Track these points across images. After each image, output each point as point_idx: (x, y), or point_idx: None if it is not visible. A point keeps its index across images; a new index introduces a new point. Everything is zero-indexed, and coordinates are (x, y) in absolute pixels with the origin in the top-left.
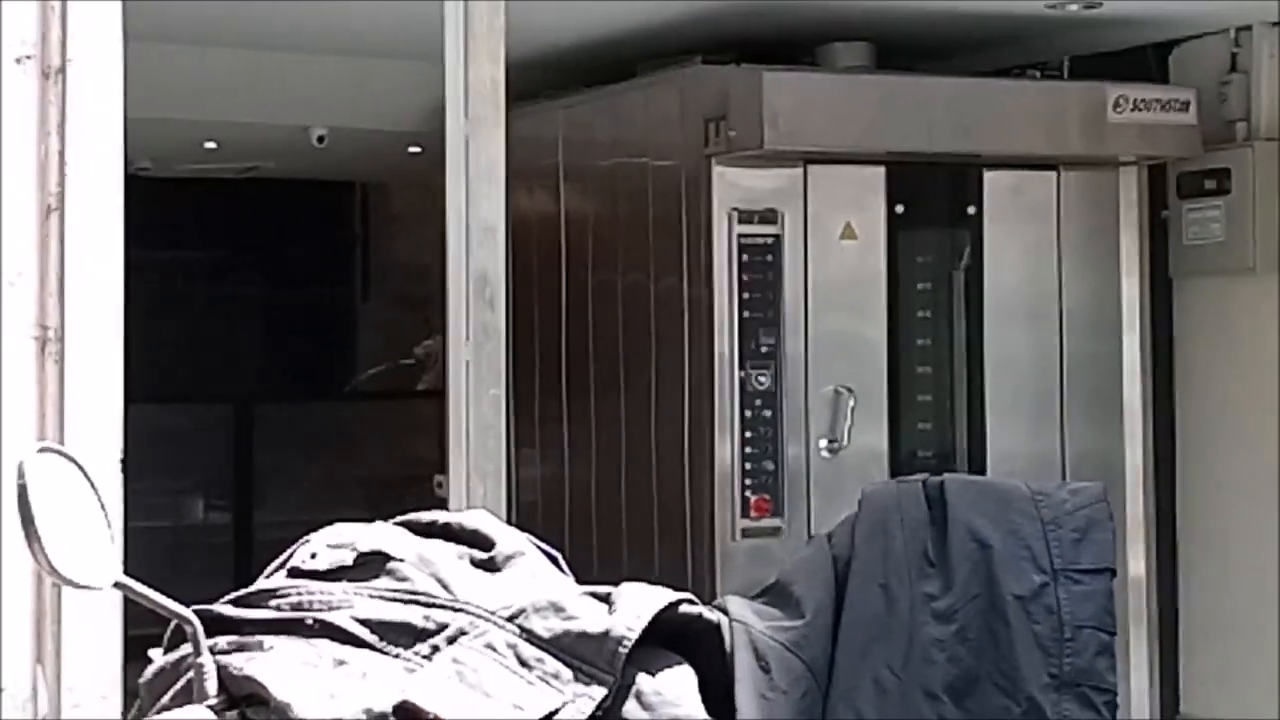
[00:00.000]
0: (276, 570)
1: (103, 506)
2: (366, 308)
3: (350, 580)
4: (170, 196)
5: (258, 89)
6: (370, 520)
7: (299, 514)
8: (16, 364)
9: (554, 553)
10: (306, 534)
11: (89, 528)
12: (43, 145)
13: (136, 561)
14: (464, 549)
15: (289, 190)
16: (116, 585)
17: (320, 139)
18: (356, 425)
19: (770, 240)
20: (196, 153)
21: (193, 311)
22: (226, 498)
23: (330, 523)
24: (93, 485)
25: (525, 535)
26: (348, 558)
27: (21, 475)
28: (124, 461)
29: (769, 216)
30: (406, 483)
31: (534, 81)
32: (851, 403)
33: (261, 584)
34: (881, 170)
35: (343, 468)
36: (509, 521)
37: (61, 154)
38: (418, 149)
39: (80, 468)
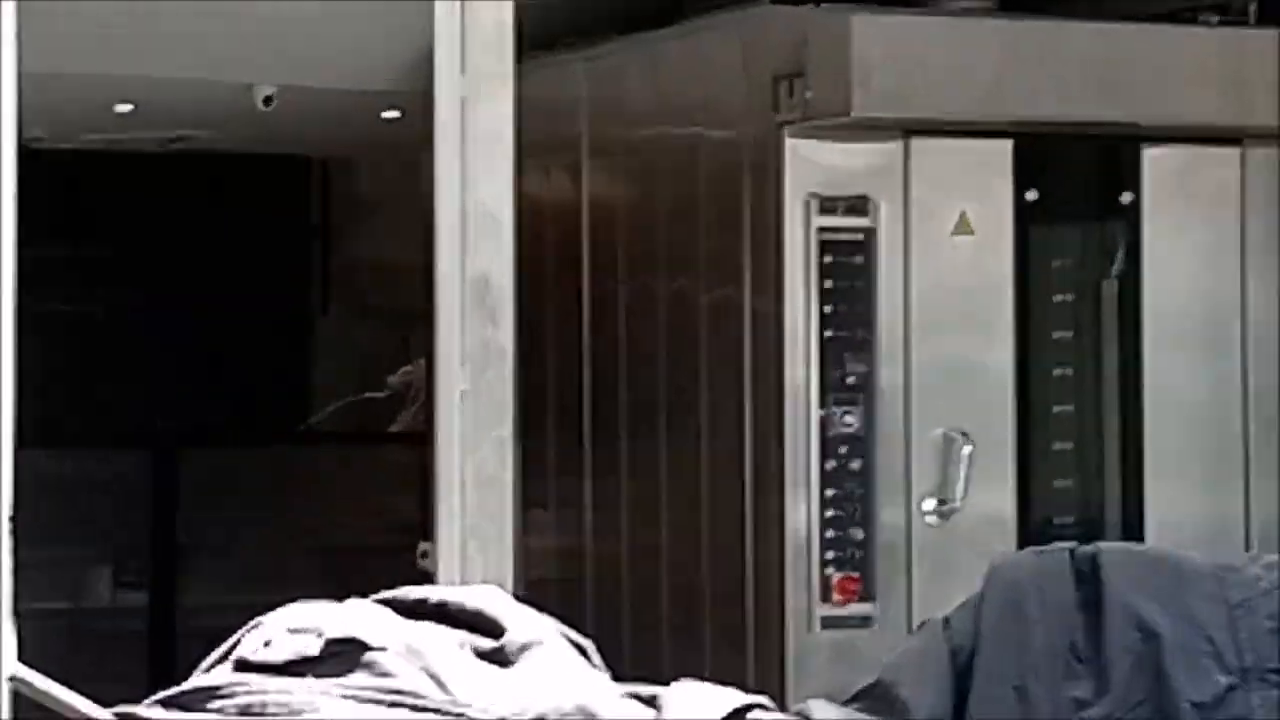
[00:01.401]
0: (218, 662)
1: None
2: (326, 322)
3: (316, 676)
4: (71, 175)
5: (186, 36)
6: (332, 597)
7: (236, 594)
8: None
9: (583, 641)
10: (246, 619)
11: None
12: None
13: (25, 653)
14: (465, 635)
15: (226, 167)
16: (11, 679)
17: (267, 100)
18: (313, 478)
19: (860, 236)
20: (106, 118)
21: (99, 326)
22: (142, 572)
23: (277, 605)
24: None
25: (545, 618)
26: (313, 646)
27: None
28: (13, 521)
29: (859, 205)
30: (379, 553)
31: (551, 25)
32: (968, 451)
33: (199, 680)
34: (1008, 145)
35: (295, 534)
36: (519, 601)
37: None
38: (395, 114)
39: None
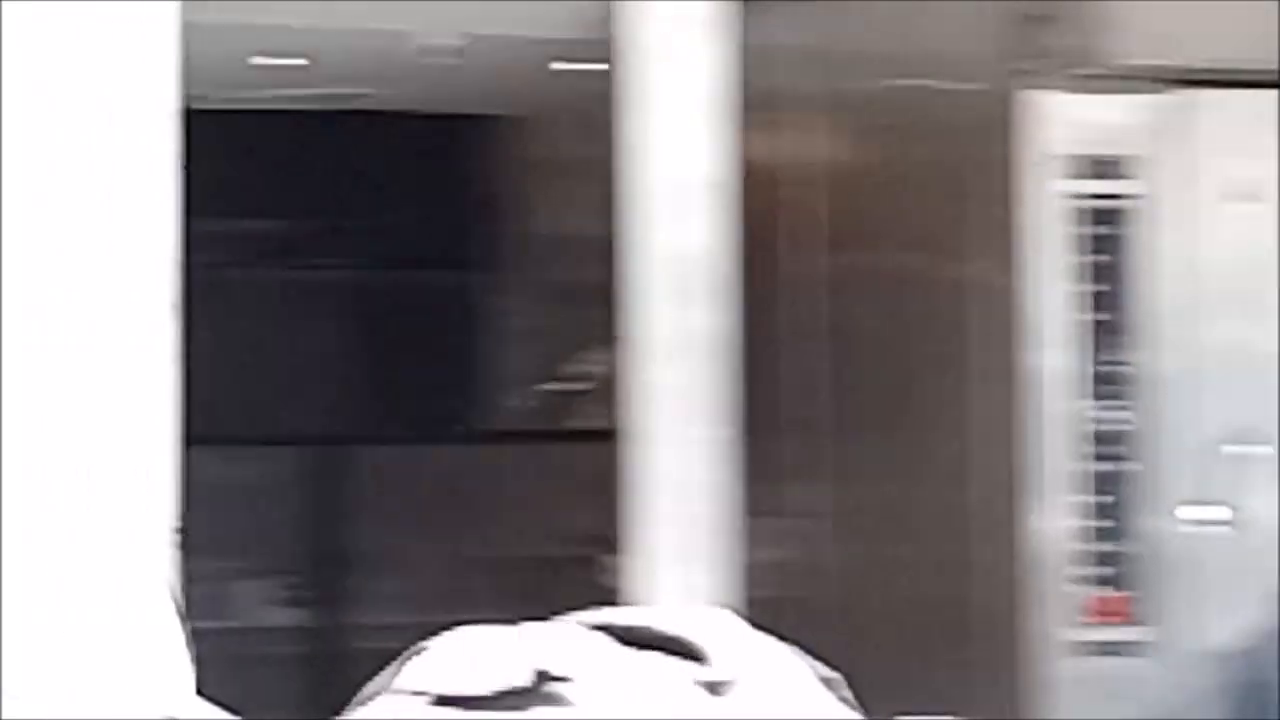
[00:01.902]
0: (391, 693)
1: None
2: (505, 304)
3: (520, 711)
4: (227, 139)
5: None
6: (510, 621)
7: (407, 612)
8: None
9: (830, 673)
10: (419, 639)
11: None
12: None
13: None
14: (680, 663)
15: (393, 129)
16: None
17: (441, 52)
18: (491, 480)
19: (1123, 204)
20: (273, 75)
21: (256, 307)
22: (307, 587)
23: (455, 624)
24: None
25: (774, 641)
26: (523, 676)
27: None
28: (183, 532)
29: (1120, 168)
30: (561, 566)
31: None
32: (1268, 451)
33: (377, 712)
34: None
35: (470, 544)
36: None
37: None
38: (584, 66)
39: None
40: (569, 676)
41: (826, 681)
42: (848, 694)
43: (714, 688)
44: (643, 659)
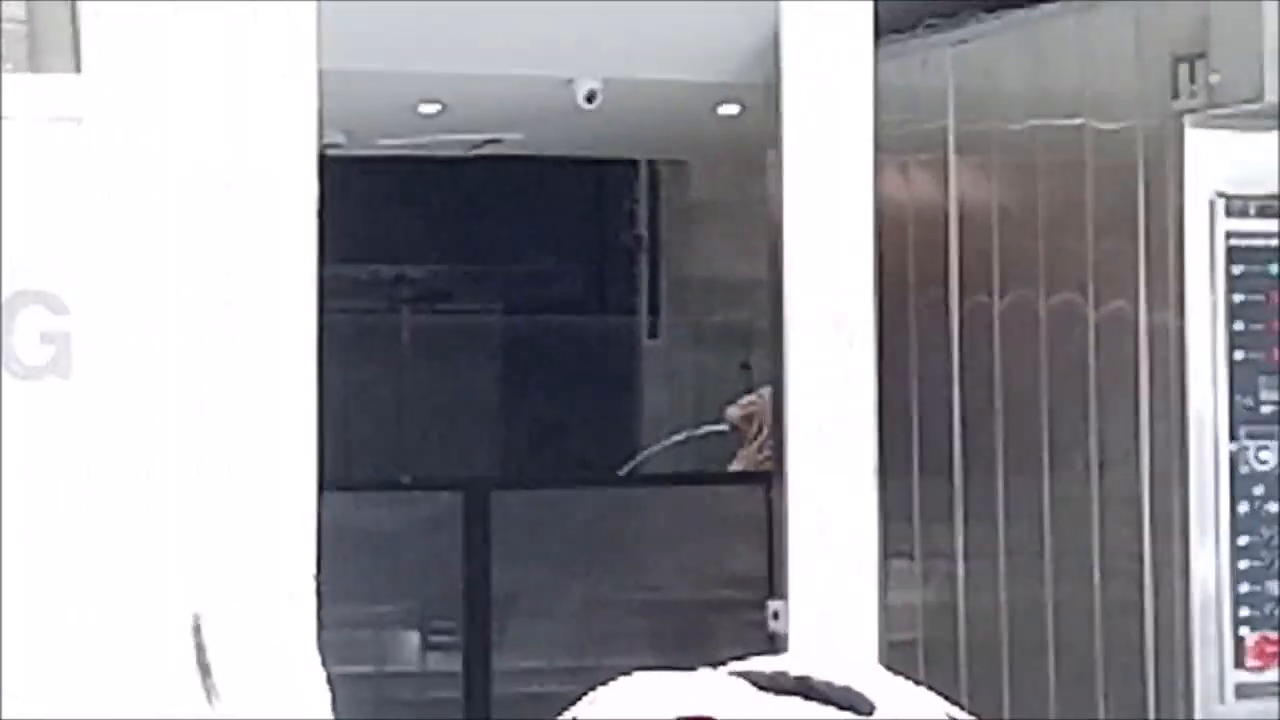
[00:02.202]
0: None
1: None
2: (655, 346)
3: None
4: (370, 184)
5: (498, 27)
6: (665, 668)
7: (557, 656)
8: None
9: (964, 718)
10: (569, 685)
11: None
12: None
13: None
14: (833, 713)
15: (541, 173)
16: None
17: (590, 96)
18: (641, 524)
19: (1275, 241)
20: (410, 120)
21: (400, 353)
22: (453, 632)
23: (614, 674)
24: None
25: (922, 690)
26: None
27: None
28: (318, 581)
29: (1273, 206)
30: (715, 610)
31: (911, 3)
32: None
33: None
34: None
35: (621, 589)
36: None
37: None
38: (734, 109)
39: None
40: None
41: None
42: None
43: None
44: (795, 708)
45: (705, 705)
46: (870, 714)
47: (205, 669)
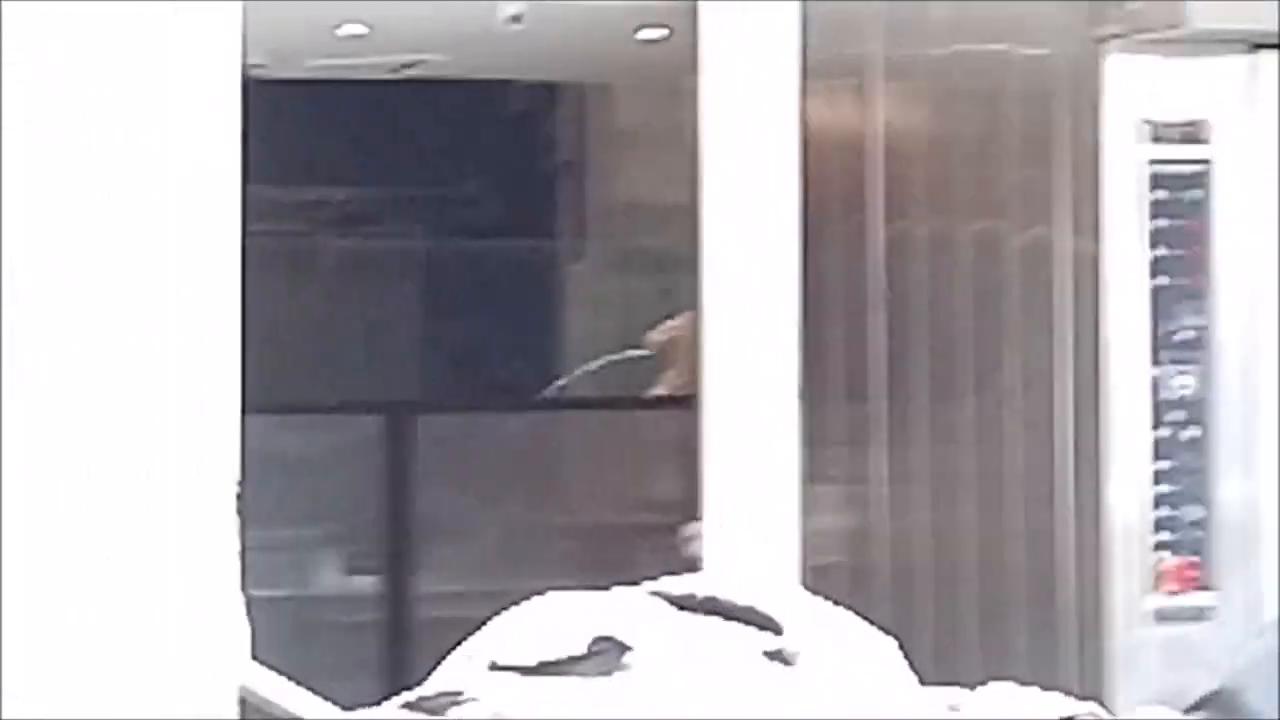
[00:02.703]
0: (462, 661)
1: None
2: (578, 270)
3: (581, 677)
4: (293, 107)
5: None
6: (583, 584)
7: (478, 579)
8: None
9: (883, 639)
10: (490, 608)
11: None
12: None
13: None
14: (743, 632)
15: (465, 96)
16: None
17: (513, 18)
18: (563, 448)
19: (1198, 169)
20: (332, 42)
21: (323, 277)
22: (375, 555)
23: (532, 593)
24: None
25: (836, 609)
26: (578, 644)
27: None
28: (239, 496)
29: (1195, 132)
30: (639, 535)
31: None
32: None
33: (442, 681)
34: None
35: (542, 511)
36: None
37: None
38: (658, 32)
39: None
40: (631, 644)
41: (878, 646)
42: (900, 661)
43: (782, 658)
44: (708, 627)
45: (618, 626)
46: (781, 632)
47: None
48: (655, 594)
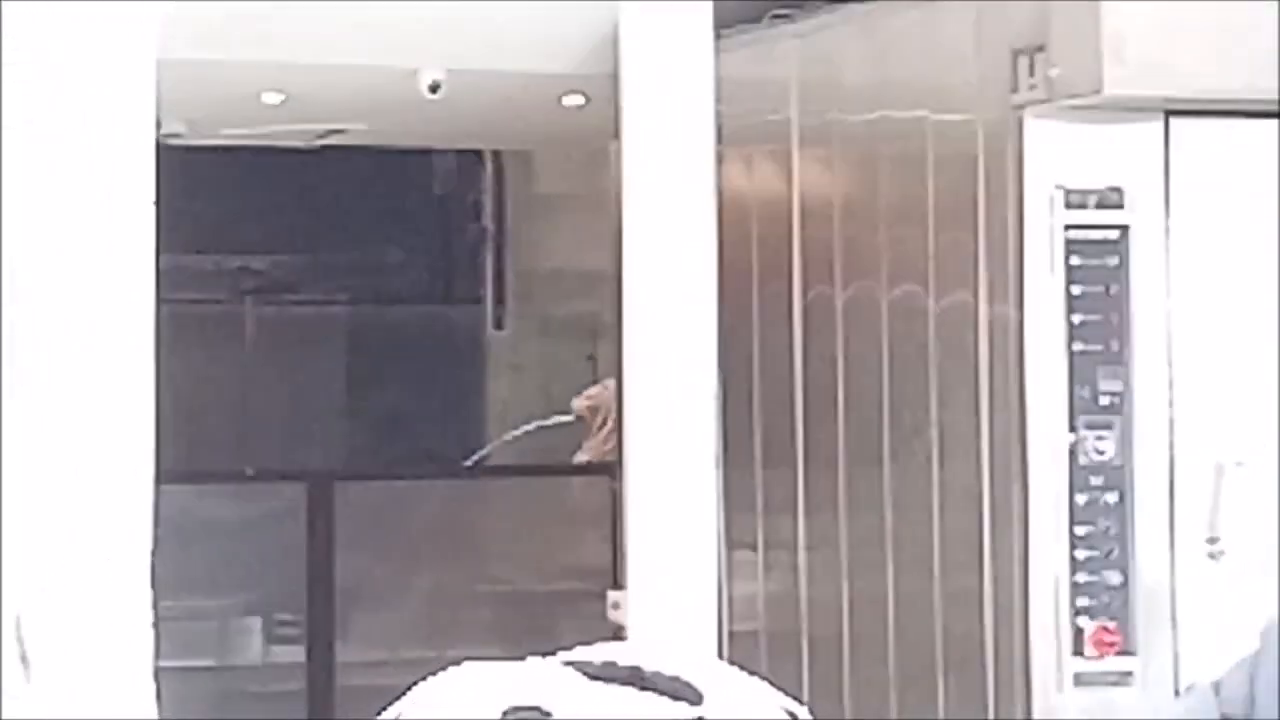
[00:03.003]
0: None
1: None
2: (502, 337)
3: None
4: (213, 175)
5: (341, 16)
6: (511, 659)
7: (400, 648)
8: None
9: (798, 710)
10: (413, 677)
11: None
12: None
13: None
14: (662, 703)
15: (386, 163)
16: None
17: (433, 87)
18: (486, 515)
19: (1115, 234)
20: (253, 110)
21: (243, 346)
22: (297, 624)
23: (454, 661)
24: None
25: (753, 680)
26: (492, 713)
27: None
28: (152, 564)
29: (1111, 198)
30: (560, 601)
31: None
32: (1242, 482)
33: None
34: None
35: (466, 578)
36: (721, 657)
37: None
38: (578, 100)
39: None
40: (550, 713)
41: (792, 716)
42: None
43: None
44: (627, 698)
45: (533, 695)
46: (699, 704)
47: (26, 663)
48: (574, 664)
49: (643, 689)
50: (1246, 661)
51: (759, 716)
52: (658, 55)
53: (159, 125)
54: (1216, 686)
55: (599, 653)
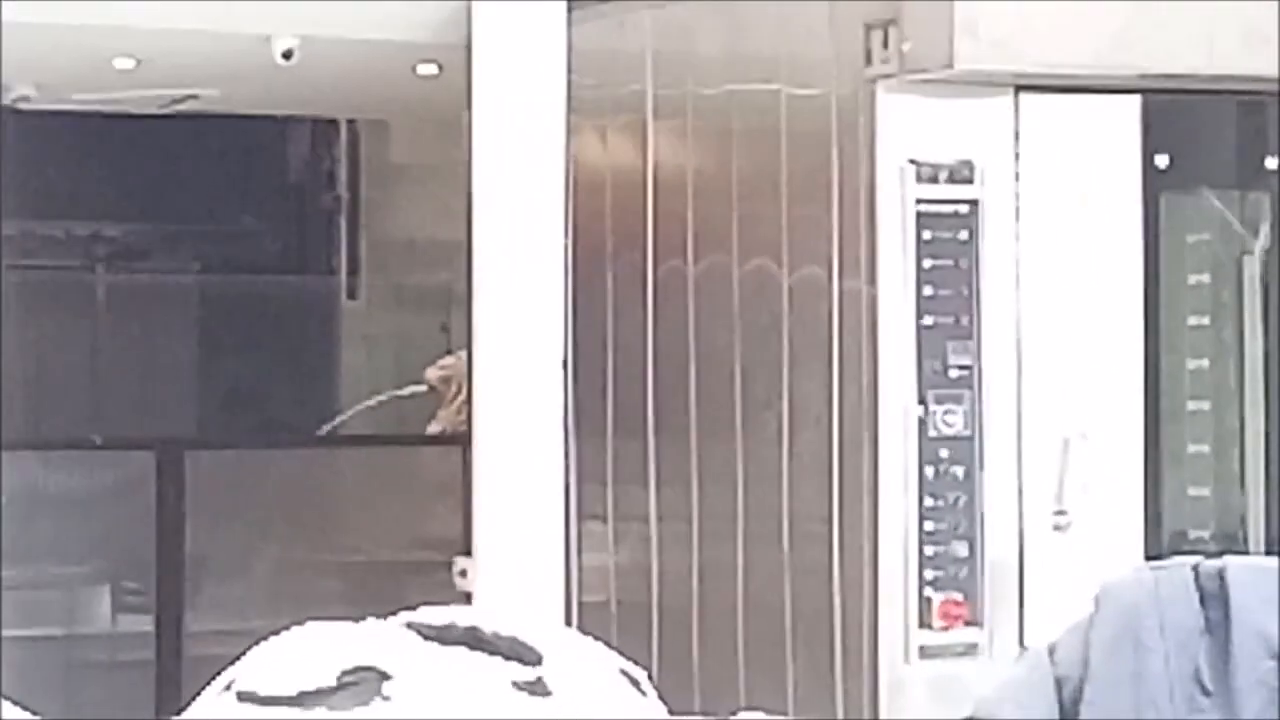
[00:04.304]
0: (220, 694)
1: None
2: (355, 307)
3: (329, 709)
4: (63, 140)
5: None
6: (356, 619)
7: (251, 617)
8: None
9: (635, 671)
10: (260, 641)
11: None
12: None
13: (11, 688)
14: (499, 664)
15: (239, 131)
16: None
17: (286, 54)
18: (338, 485)
19: (965, 208)
20: (104, 75)
21: (94, 313)
22: (146, 593)
23: (296, 624)
24: None
25: (591, 642)
26: (327, 675)
27: None
28: None
29: (963, 172)
30: (411, 571)
31: None
32: (1087, 454)
33: (195, 714)
34: (1136, 101)
35: (317, 548)
36: (569, 627)
37: None
38: (432, 68)
39: None
40: (388, 673)
41: (631, 679)
42: (650, 691)
43: (538, 689)
44: (467, 658)
45: (370, 656)
46: (537, 664)
47: None
48: (414, 625)
49: (480, 649)
50: (1081, 625)
51: (597, 677)
52: (510, 25)
53: (8, 89)
54: (1051, 649)
55: (440, 615)
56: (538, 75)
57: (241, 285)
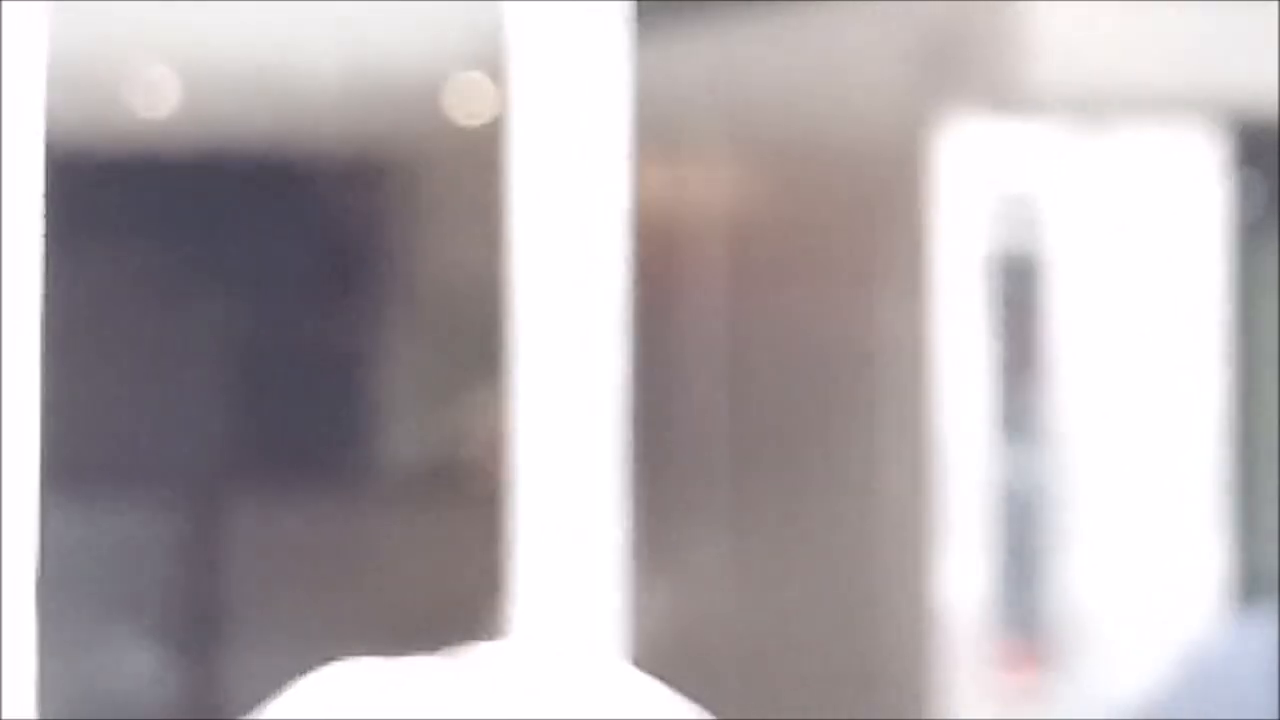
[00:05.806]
0: None
1: None
2: (395, 348)
3: None
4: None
5: (221, 9)
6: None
7: (287, 664)
8: None
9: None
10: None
11: None
12: None
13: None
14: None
15: (277, 166)
16: None
17: (329, 88)
18: (381, 534)
19: (1032, 243)
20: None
21: (120, 348)
22: (177, 643)
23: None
24: None
25: (649, 680)
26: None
27: None
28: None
29: (1031, 205)
30: (458, 618)
31: None
32: (1169, 495)
33: None
34: (1216, 131)
35: (363, 601)
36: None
37: None
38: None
39: None
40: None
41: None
42: None
43: None
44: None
45: (407, 696)
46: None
47: None
48: (453, 663)
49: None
50: (1164, 684)
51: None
52: (555, 52)
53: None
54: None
55: (483, 653)
56: (597, 101)
57: (280, 319)
